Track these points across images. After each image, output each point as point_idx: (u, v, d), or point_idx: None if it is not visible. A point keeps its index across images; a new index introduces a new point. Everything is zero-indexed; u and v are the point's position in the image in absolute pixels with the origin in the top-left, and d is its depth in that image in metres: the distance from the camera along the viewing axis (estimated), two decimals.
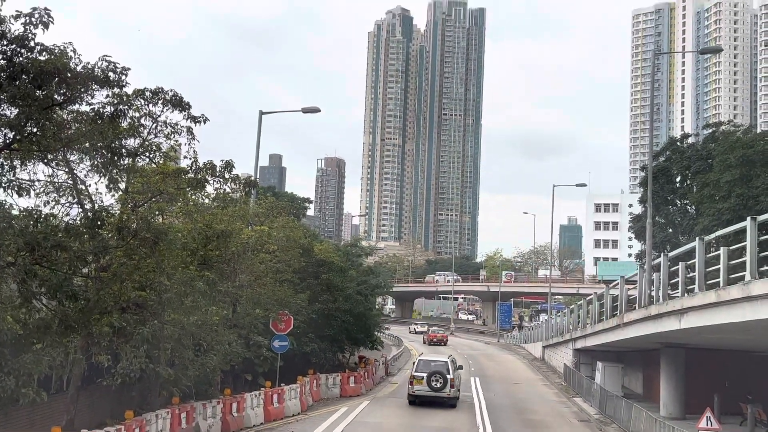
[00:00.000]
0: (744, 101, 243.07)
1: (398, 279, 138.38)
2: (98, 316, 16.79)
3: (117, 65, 15.12)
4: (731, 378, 31.53)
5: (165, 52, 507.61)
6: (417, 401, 32.22)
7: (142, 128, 17.79)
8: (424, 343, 77.73)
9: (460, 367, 36.47)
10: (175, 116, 17.93)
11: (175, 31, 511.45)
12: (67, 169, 17.24)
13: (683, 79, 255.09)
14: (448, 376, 32.16)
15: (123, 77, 15.26)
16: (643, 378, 39.19)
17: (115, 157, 16.11)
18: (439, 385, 31.86)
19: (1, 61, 13.79)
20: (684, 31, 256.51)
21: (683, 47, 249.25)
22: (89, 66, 14.76)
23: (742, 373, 31.51)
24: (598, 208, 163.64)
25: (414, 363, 35.73)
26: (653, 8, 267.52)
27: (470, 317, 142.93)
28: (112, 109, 15.68)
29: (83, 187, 17.65)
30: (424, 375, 32.23)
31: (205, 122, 17.81)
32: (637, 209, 66.82)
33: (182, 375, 21.08)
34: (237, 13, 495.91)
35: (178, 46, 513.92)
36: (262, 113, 32.95)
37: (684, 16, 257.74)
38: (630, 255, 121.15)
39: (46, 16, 13.66)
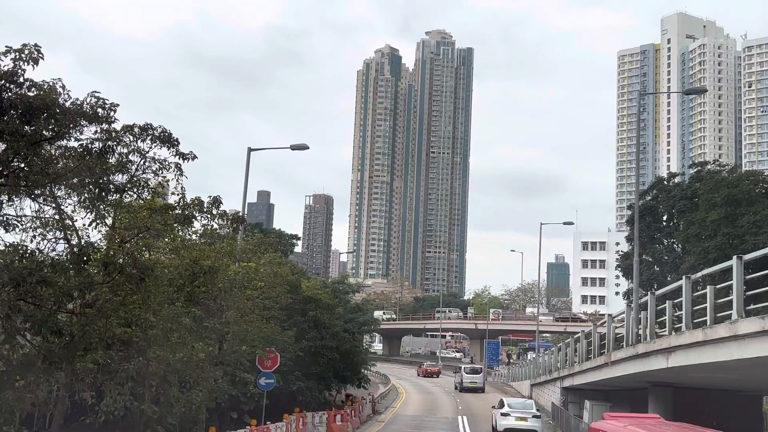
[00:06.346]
0: (729, 141, 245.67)
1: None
2: (83, 352, 16.60)
3: (106, 101, 15.14)
4: (719, 418, 31.39)
5: (150, 90, 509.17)
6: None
7: (130, 164, 17.74)
8: (419, 375, 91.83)
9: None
10: (163, 152, 17.91)
11: (161, 69, 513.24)
12: (54, 205, 17.16)
13: (669, 119, 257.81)
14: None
15: (112, 113, 15.27)
16: None
17: (103, 193, 16.04)
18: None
19: None
20: (669, 72, 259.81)
21: (668, 87, 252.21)
22: (78, 102, 14.77)
23: (731, 412, 31.40)
24: (585, 246, 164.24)
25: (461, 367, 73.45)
26: (639, 49, 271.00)
27: (458, 355, 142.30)
28: (101, 145, 15.67)
29: (70, 223, 17.56)
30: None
31: (193, 159, 17.80)
32: (625, 247, 67.08)
33: (167, 413, 20.82)
34: (222, 53, 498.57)
35: (164, 84, 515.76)
36: (250, 150, 33.01)
37: (669, 57, 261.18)
38: (617, 293, 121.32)
39: (36, 53, 13.69)
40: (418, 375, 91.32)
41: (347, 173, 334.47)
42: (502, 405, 37.50)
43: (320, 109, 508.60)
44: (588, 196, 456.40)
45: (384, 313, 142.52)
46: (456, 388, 68.42)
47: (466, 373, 68.51)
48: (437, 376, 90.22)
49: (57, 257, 16.06)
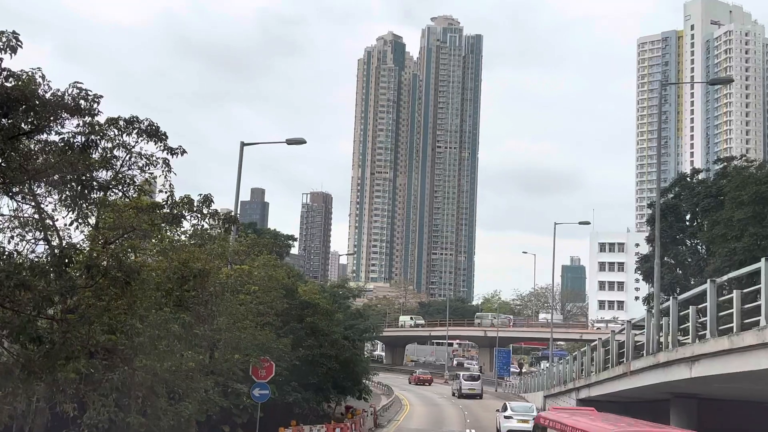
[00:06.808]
0: (757, 134, 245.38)
1: (388, 323, 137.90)
2: (64, 361, 16.58)
3: (89, 92, 15.14)
4: (747, 431, 31.39)
5: (136, 81, 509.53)
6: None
7: (114, 160, 17.72)
8: (410, 383, 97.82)
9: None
10: (150, 147, 17.90)
11: (148, 58, 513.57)
12: (33, 203, 17.18)
13: (692, 111, 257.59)
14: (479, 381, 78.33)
15: (95, 105, 15.27)
16: None
17: (86, 191, 16.02)
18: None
19: None
20: (692, 61, 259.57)
21: (692, 77, 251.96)
22: (59, 93, 14.77)
23: (759, 425, 31.38)
24: (602, 247, 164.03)
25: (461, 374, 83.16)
26: (660, 36, 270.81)
27: (473, 365, 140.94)
28: (83, 139, 15.66)
29: (50, 223, 17.58)
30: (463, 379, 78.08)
31: (182, 154, 17.79)
32: (645, 249, 66.96)
33: (154, 426, 20.84)
34: (213, 41, 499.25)
35: (151, 75, 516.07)
36: (243, 144, 33.03)
37: (692, 44, 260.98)
38: (637, 298, 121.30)
39: (14, 41, 13.69)
40: (410, 382, 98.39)
41: (347, 170, 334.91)
42: (505, 408, 43.64)
43: (318, 101, 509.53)
44: (605, 194, 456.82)
45: (411, 318, 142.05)
46: (454, 394, 77.63)
47: (465, 380, 77.47)
48: (429, 384, 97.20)
49: (36, 259, 16.06)
